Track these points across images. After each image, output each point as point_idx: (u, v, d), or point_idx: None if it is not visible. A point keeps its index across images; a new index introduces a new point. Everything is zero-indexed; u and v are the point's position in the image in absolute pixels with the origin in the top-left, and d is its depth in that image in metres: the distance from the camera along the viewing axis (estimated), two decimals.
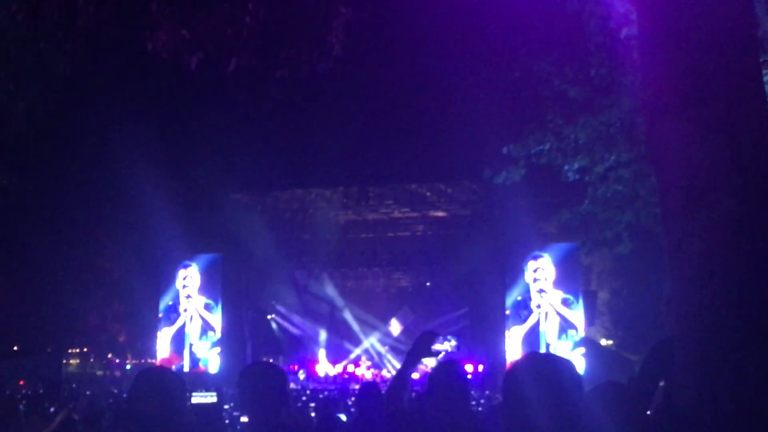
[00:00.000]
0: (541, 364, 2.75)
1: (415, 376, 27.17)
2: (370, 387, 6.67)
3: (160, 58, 7.24)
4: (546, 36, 13.20)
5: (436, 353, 4.79)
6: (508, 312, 24.70)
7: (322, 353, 30.71)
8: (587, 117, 14.29)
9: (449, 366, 4.86)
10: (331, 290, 30.90)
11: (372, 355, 30.60)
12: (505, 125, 15.65)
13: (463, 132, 18.68)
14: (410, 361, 4.66)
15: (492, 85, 15.41)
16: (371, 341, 30.73)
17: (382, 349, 30.62)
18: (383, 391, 5.47)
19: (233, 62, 7.54)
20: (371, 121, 21.76)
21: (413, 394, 6.76)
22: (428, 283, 32.12)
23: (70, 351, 34.22)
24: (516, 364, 2.77)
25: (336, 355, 31.03)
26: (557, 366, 2.71)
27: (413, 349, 4.66)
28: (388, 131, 22.05)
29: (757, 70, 4.10)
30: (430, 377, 4.89)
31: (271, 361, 29.13)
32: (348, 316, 30.34)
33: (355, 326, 30.47)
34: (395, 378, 4.76)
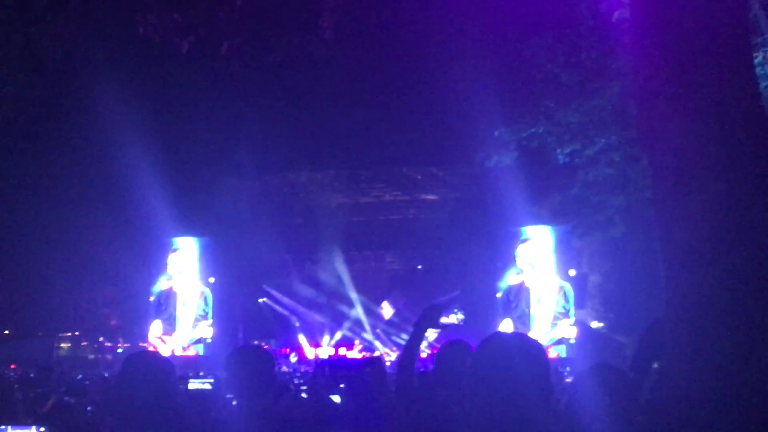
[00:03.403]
0: (504, 344, 2.77)
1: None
2: (375, 362, 6.59)
3: (152, 42, 7.22)
4: (538, 20, 13.19)
5: (443, 326, 4.80)
6: (499, 295, 24.72)
7: (302, 338, 30.74)
8: (579, 101, 14.30)
9: (457, 346, 4.88)
10: (322, 273, 30.93)
11: (365, 338, 30.64)
12: (496, 109, 15.65)
13: (455, 115, 18.66)
14: (417, 334, 4.67)
15: (484, 69, 15.39)
16: (364, 322, 30.75)
17: (371, 336, 30.66)
18: (388, 367, 5.47)
19: (225, 46, 7.52)
20: (363, 104, 21.73)
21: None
22: (420, 266, 32.15)
23: (61, 335, 34.13)
24: (479, 345, 2.80)
25: (326, 337, 31.07)
26: (520, 346, 2.73)
27: (419, 321, 4.67)
28: (380, 115, 22.01)
29: (748, 55, 4.11)
30: (437, 356, 4.91)
31: (263, 345, 29.22)
32: (354, 296, 30.30)
33: (359, 308, 30.45)
34: (405, 352, 4.76)
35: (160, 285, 27.19)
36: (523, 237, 24.72)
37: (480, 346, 2.79)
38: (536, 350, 2.74)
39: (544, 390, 2.66)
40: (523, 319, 24.37)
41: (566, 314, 24.21)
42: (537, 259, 24.61)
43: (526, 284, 24.66)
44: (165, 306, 27.01)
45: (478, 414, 2.66)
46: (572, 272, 24.39)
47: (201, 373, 17.24)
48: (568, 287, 24.30)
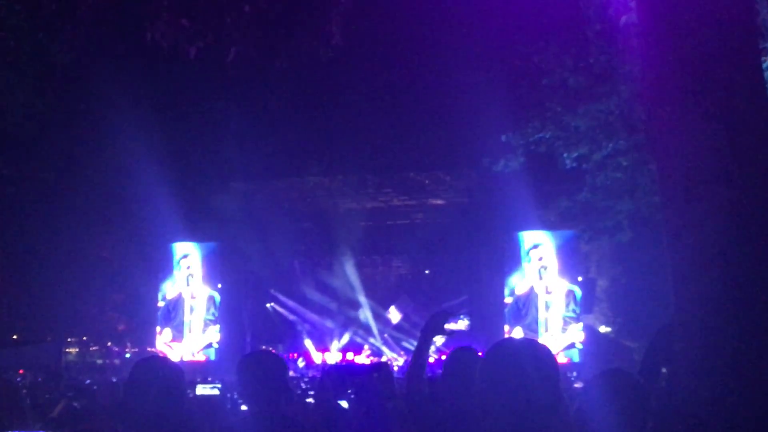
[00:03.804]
0: (514, 350, 2.78)
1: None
2: (382, 367, 6.59)
3: (160, 48, 7.24)
4: (545, 24, 13.18)
5: (449, 332, 4.81)
6: (508, 300, 24.61)
7: (309, 343, 30.70)
8: (586, 105, 14.28)
9: (465, 352, 4.88)
10: (330, 278, 30.95)
11: (372, 343, 30.60)
12: (504, 113, 15.63)
13: (463, 120, 18.65)
14: (424, 340, 4.69)
15: (492, 73, 15.39)
16: (372, 327, 30.71)
17: (378, 341, 30.61)
18: (396, 373, 5.47)
19: (232, 52, 7.54)
20: (370, 109, 21.70)
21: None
22: (427, 271, 32.10)
23: (69, 340, 34.18)
24: (489, 351, 2.80)
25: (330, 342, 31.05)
26: (530, 352, 2.73)
27: (426, 328, 4.68)
28: (387, 120, 21.98)
29: (755, 59, 4.11)
30: (445, 362, 4.92)
31: (270, 350, 29.20)
32: (362, 300, 30.26)
33: (367, 312, 30.40)
34: (415, 359, 4.78)
35: (168, 292, 27.15)
36: (534, 242, 24.64)
37: (489, 351, 2.79)
38: (546, 355, 2.74)
39: (554, 396, 2.66)
40: (532, 326, 24.27)
41: (577, 318, 24.09)
42: (547, 263, 24.52)
43: (536, 290, 24.57)
44: (175, 313, 26.98)
45: (488, 420, 2.66)
46: (579, 279, 24.33)
47: (209, 379, 17.26)
48: (578, 291, 24.21)
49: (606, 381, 3.81)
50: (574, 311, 24.16)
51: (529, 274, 24.73)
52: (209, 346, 26.74)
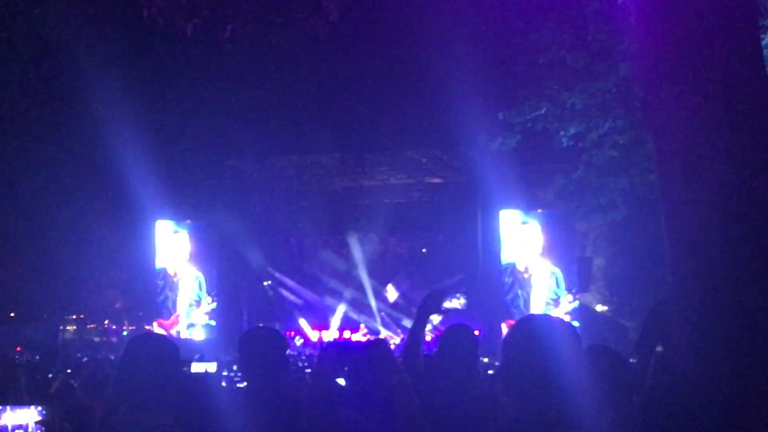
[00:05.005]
0: (538, 326, 2.79)
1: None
2: (380, 345, 6.60)
3: (156, 25, 7.21)
4: (543, 2, 13.12)
5: (445, 311, 4.85)
6: (506, 279, 24.58)
7: (304, 322, 30.76)
8: (583, 83, 14.24)
9: (460, 330, 4.91)
10: (328, 256, 31.00)
11: (369, 321, 30.68)
12: (501, 91, 15.60)
13: (460, 98, 18.61)
14: (421, 319, 4.72)
15: (489, 51, 15.33)
16: (372, 306, 30.76)
17: (376, 319, 30.69)
18: (393, 351, 5.47)
19: (229, 28, 7.51)
20: (367, 87, 21.62)
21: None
22: (424, 250, 32.15)
23: (66, 318, 34.25)
24: (513, 327, 2.81)
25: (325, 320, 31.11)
26: (554, 327, 2.75)
27: (422, 307, 4.71)
28: (384, 98, 21.90)
29: (755, 36, 4.09)
30: (440, 340, 4.95)
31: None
32: (364, 275, 30.28)
33: (365, 291, 30.43)
34: (411, 338, 4.81)
35: (159, 270, 27.07)
36: (517, 221, 24.55)
37: (515, 329, 2.80)
38: (570, 330, 2.77)
39: (576, 372, 2.67)
40: (515, 302, 24.20)
41: (557, 301, 23.98)
42: (529, 243, 24.42)
43: (519, 268, 24.49)
44: (163, 293, 26.96)
45: (512, 399, 2.67)
46: (576, 256, 24.31)
47: (204, 357, 17.31)
48: (559, 273, 24.11)
49: (590, 357, 3.82)
50: (555, 293, 24.05)
51: (513, 253, 24.64)
52: (204, 325, 26.73)
